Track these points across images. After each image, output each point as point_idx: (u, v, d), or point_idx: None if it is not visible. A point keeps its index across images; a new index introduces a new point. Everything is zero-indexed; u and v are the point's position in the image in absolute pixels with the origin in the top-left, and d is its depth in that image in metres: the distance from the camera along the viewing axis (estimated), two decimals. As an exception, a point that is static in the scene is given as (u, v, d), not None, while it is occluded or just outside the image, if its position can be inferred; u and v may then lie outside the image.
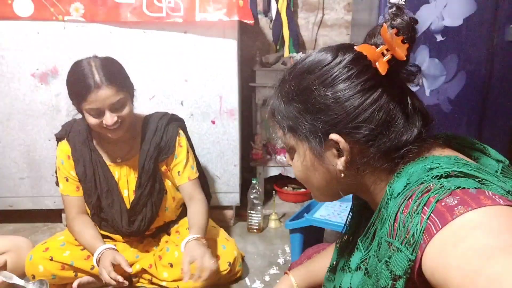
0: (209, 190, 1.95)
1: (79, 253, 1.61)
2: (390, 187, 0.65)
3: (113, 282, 1.45)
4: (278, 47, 2.63)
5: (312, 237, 1.73)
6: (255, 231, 2.12)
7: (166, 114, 1.73)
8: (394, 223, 0.61)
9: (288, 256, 1.87)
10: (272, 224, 2.19)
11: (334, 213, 1.71)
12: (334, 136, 0.67)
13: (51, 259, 1.57)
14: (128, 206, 1.65)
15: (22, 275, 1.60)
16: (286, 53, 2.54)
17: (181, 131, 1.72)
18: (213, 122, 2.08)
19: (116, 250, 1.57)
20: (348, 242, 0.85)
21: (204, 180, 1.92)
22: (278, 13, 2.54)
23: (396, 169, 0.68)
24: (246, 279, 1.70)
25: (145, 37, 1.97)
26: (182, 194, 1.72)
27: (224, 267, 1.63)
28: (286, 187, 2.59)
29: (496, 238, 0.48)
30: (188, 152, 1.71)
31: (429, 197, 0.57)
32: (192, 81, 2.03)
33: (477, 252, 0.48)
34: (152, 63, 2.00)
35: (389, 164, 0.68)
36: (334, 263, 0.87)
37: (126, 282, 1.49)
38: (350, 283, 0.72)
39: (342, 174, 0.70)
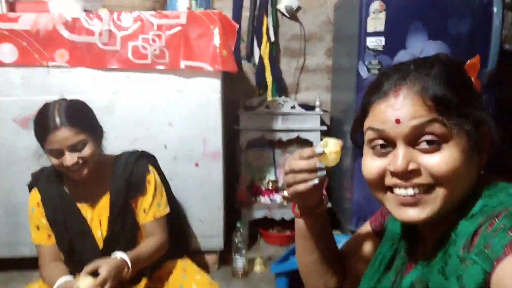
0: (187, 234, 1.92)
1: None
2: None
3: None
4: (261, 91, 2.69)
5: (298, 280, 1.70)
6: (240, 275, 2.08)
7: (136, 151, 1.73)
8: (472, 239, 0.60)
9: (274, 301, 1.83)
10: (258, 268, 2.15)
11: (320, 255, 1.69)
12: (488, 126, 0.67)
13: None
14: (101, 246, 1.61)
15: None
16: (269, 97, 2.59)
17: (150, 168, 1.70)
18: (197, 165, 2.08)
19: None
20: (380, 267, 0.84)
21: (184, 225, 1.89)
22: (261, 58, 2.62)
23: None
24: (231, 326, 1.65)
25: (129, 81, 2.00)
26: (145, 233, 1.67)
27: (208, 313, 1.58)
28: (271, 230, 2.56)
29: None
30: (156, 190, 1.68)
31: None
32: (176, 125, 2.05)
33: None
34: (136, 106, 2.02)
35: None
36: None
37: None
38: None
39: (482, 171, 0.68)
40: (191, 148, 2.07)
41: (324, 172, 0.77)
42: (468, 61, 0.70)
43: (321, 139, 2.58)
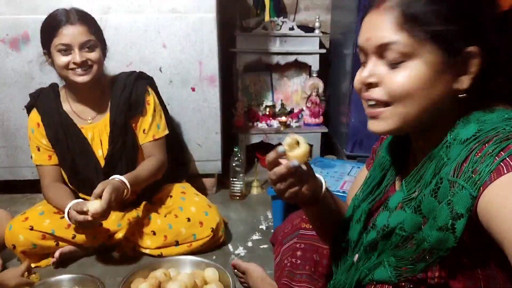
0: (185, 159, 1.94)
1: (59, 221, 1.59)
2: (452, 131, 0.67)
3: (87, 220, 1.42)
4: (258, 11, 2.56)
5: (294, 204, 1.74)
6: (238, 198, 2.13)
7: (134, 72, 1.72)
8: (462, 164, 0.62)
9: (271, 222, 1.89)
10: (254, 191, 2.21)
11: (316, 179, 1.72)
12: (473, 49, 0.64)
13: (31, 229, 1.55)
14: (102, 165, 1.65)
15: (2, 246, 1.59)
16: (267, 17, 2.48)
17: (149, 89, 1.71)
18: (193, 89, 2.05)
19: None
20: (371, 192, 0.86)
21: (182, 148, 1.91)
22: (258, -25, 2.47)
23: (462, 114, 0.67)
24: (229, 245, 1.72)
25: (122, 3, 1.90)
26: (144, 153, 1.71)
27: (207, 233, 1.64)
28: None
29: None
30: (155, 111, 1.70)
31: (508, 144, 0.58)
32: (170, 47, 1.98)
33: None
34: (128, 26, 1.93)
35: (471, 104, 0.67)
36: (352, 212, 0.88)
37: (98, 221, 1.47)
38: (388, 221, 0.73)
39: (459, 96, 0.66)
40: (187, 72, 2.02)
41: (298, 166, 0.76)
42: None
43: (321, 63, 2.51)
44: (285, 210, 1.71)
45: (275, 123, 2.54)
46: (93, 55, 1.52)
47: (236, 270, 1.40)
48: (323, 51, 2.50)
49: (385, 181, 0.84)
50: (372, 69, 0.69)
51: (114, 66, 1.79)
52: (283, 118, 2.52)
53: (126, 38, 1.94)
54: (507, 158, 0.56)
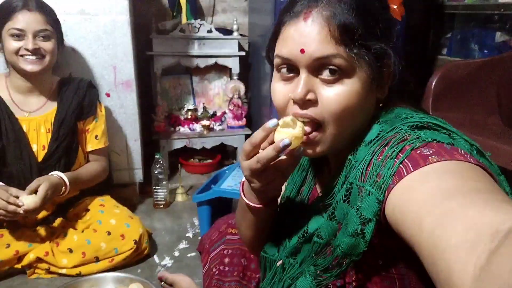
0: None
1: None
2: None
3: (13, 211, 1.37)
4: (175, 14, 2.50)
5: (220, 208, 1.72)
6: (162, 206, 2.06)
7: (84, 78, 1.73)
8: (367, 168, 0.61)
9: (197, 229, 1.85)
10: (179, 198, 2.15)
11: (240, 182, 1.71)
12: (392, 59, 0.66)
13: None
14: (39, 159, 1.56)
15: None
16: (183, 19, 2.43)
17: (99, 97, 1.75)
18: (108, 95, 1.94)
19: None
20: (294, 198, 0.84)
21: None
22: (173, -24, 2.41)
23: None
24: (155, 256, 1.65)
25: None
26: (90, 158, 1.72)
27: (129, 245, 1.56)
28: (192, 159, 2.54)
29: (464, 182, 0.49)
30: (104, 119, 1.73)
31: (404, 145, 0.58)
32: (81, 51, 1.86)
33: (442, 190, 0.48)
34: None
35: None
36: (281, 219, 0.83)
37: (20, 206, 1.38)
38: (307, 227, 0.72)
39: (380, 104, 0.69)
40: (100, 77, 1.91)
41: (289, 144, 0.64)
42: None
43: (241, 65, 2.51)
44: (212, 216, 1.68)
45: (197, 127, 2.50)
46: (47, 45, 1.50)
47: (163, 283, 1.34)
48: (243, 53, 2.50)
49: (306, 185, 0.84)
50: (308, 85, 0.65)
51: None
52: (206, 122, 2.48)
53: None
54: (405, 160, 0.57)
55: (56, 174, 1.51)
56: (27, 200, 1.38)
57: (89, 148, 1.70)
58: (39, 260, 1.52)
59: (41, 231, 1.58)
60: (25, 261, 1.51)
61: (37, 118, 1.59)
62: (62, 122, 1.59)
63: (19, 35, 1.46)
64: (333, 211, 0.67)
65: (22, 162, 1.54)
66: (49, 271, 1.53)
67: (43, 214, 1.58)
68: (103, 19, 1.84)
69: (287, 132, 0.64)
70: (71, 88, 1.65)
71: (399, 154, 0.58)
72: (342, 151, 0.71)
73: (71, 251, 1.53)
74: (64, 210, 1.67)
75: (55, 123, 1.59)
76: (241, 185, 0.82)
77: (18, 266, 1.51)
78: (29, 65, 1.48)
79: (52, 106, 1.62)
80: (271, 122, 0.66)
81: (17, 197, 1.39)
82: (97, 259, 1.54)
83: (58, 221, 1.63)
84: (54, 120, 1.59)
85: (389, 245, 0.63)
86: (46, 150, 1.57)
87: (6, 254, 1.47)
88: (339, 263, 0.65)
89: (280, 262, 0.80)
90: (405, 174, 0.55)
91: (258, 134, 0.67)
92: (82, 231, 1.59)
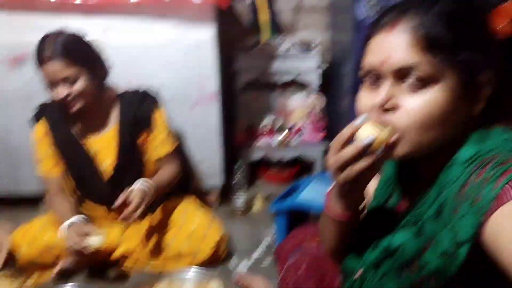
0: (188, 172, 1.97)
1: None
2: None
3: (77, 249, 1.45)
4: (257, 31, 2.61)
5: (296, 218, 1.76)
6: (240, 213, 2.15)
7: (141, 89, 1.74)
8: (463, 187, 0.60)
9: (274, 237, 1.90)
10: (257, 206, 2.22)
11: (317, 194, 1.74)
12: (487, 76, 0.65)
13: (32, 242, 1.56)
14: (106, 179, 1.66)
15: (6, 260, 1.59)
16: (265, 36, 2.53)
17: (157, 105, 1.72)
18: (192, 108, 2.08)
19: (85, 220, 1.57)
20: (379, 210, 0.83)
21: (185, 164, 1.94)
22: (256, -4, 2.52)
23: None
24: (232, 261, 1.73)
25: (119, 18, 1.95)
26: (160, 166, 1.73)
27: (209, 248, 1.65)
28: (269, 170, 2.61)
29: None
30: (164, 125, 1.72)
31: (506, 168, 0.57)
32: (170, 66, 2.02)
33: None
34: (128, 46, 1.97)
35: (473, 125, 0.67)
36: (364, 230, 0.83)
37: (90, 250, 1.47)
38: (391, 242, 0.71)
39: (475, 121, 0.66)
40: (186, 91, 2.05)
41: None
42: (500, 5, 0.68)
43: (321, 83, 2.54)
44: (289, 226, 1.72)
45: (276, 140, 2.57)
46: (76, 88, 1.49)
47: (240, 285, 1.40)
48: (323, 68, 2.54)
49: (393, 197, 0.83)
50: (390, 92, 0.66)
51: (113, 84, 1.83)
52: (284, 135, 2.54)
53: (126, 57, 1.97)
54: (507, 185, 0.55)
55: (142, 181, 1.56)
56: (95, 241, 1.45)
57: (154, 158, 1.72)
58: (126, 255, 1.67)
59: (129, 228, 1.72)
60: (115, 255, 1.66)
61: (103, 138, 1.67)
62: (121, 140, 1.66)
63: (51, 86, 1.50)
64: (421, 227, 0.66)
65: (94, 181, 1.66)
66: (135, 265, 1.67)
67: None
68: (192, 37, 1.99)
69: (372, 130, 0.65)
70: (126, 103, 1.67)
71: (501, 177, 0.57)
72: (430, 164, 0.70)
73: (156, 248, 1.66)
74: (151, 209, 1.81)
75: (117, 141, 1.66)
76: (327, 196, 0.83)
77: (109, 259, 1.66)
78: (70, 108, 1.53)
79: (114, 124, 1.68)
80: (359, 119, 0.68)
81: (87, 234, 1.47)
82: (178, 259, 1.65)
83: (146, 219, 1.77)
84: (116, 138, 1.66)
85: (480, 268, 0.61)
86: (112, 169, 1.67)
87: (99, 249, 1.59)
88: (425, 283, 0.64)
89: (358, 274, 0.81)
90: (507, 199, 0.54)
91: (346, 130, 0.68)
92: (167, 231, 1.72)
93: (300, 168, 2.65)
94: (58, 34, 1.49)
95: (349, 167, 0.67)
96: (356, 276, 0.80)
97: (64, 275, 1.60)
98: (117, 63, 1.93)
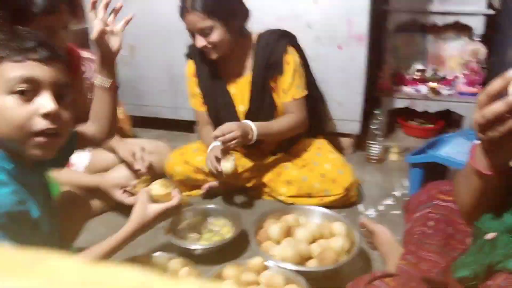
0: (324, 117, 1.98)
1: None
2: None
3: (213, 171, 1.60)
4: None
5: (433, 174, 1.67)
6: (374, 161, 2.11)
7: (277, 30, 1.73)
8: None
9: (405, 190, 1.84)
10: (392, 156, 2.15)
11: (461, 151, 1.61)
12: None
13: (186, 163, 1.78)
14: (241, 119, 1.74)
15: (161, 174, 1.85)
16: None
17: (289, 48, 1.70)
18: (340, 47, 2.03)
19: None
20: None
21: (322, 106, 1.95)
22: None
23: None
24: (360, 205, 1.74)
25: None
26: (283, 112, 1.75)
27: (339, 191, 1.68)
28: (411, 121, 2.47)
29: None
30: (295, 70, 1.70)
31: None
32: (321, 3, 1.98)
33: None
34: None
35: None
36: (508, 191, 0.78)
37: (224, 175, 1.60)
38: None
39: None
40: (335, 29, 2.01)
41: None
42: None
43: (487, 26, 2.26)
44: (423, 180, 1.65)
45: (423, 88, 2.39)
46: (212, 38, 1.56)
47: (364, 229, 1.42)
48: (491, 12, 2.22)
49: None
50: None
51: (265, 20, 1.88)
52: (434, 84, 2.35)
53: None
54: None
55: (246, 122, 1.62)
56: (227, 166, 1.56)
57: (280, 102, 1.73)
58: (263, 184, 1.80)
59: (268, 160, 1.83)
60: (254, 182, 1.80)
61: (241, 81, 1.75)
62: (254, 83, 1.70)
63: (192, 34, 1.59)
64: None
65: (231, 121, 1.72)
66: (270, 194, 1.80)
67: (270, 147, 1.83)
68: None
69: None
70: (261, 47, 1.69)
71: None
72: None
73: (289, 182, 1.75)
74: (287, 146, 1.89)
75: (251, 84, 1.71)
76: (472, 148, 0.78)
77: (248, 185, 1.82)
78: (210, 54, 1.63)
79: (250, 69, 1.73)
80: (511, 72, 0.59)
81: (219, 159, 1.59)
82: (309, 195, 1.72)
83: (280, 154, 1.87)
84: (250, 81, 1.72)
85: None
86: (245, 112, 1.75)
87: (243, 175, 1.78)
88: None
89: (491, 235, 0.76)
90: None
91: (496, 83, 0.61)
92: (301, 168, 1.79)
93: (446, 123, 2.45)
94: None
95: (495, 125, 0.61)
96: (489, 237, 0.76)
97: (210, 194, 1.80)
98: (269, 0, 1.98)
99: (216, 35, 1.57)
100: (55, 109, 0.81)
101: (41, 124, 0.81)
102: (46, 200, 0.96)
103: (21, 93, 0.79)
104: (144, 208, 1.07)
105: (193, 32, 1.59)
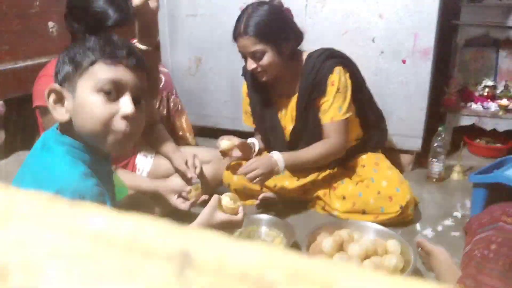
0: (384, 130, 1.94)
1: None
2: None
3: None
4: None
5: (498, 196, 1.58)
6: (434, 180, 2.03)
7: (327, 50, 1.71)
8: None
9: (467, 211, 1.75)
10: (455, 175, 2.06)
11: (532, 173, 1.52)
12: None
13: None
14: (287, 139, 1.79)
15: (219, 183, 1.91)
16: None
17: (337, 69, 1.66)
18: (404, 62, 1.99)
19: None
20: None
21: (381, 121, 1.92)
22: None
23: None
24: (417, 224, 1.68)
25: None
26: (323, 133, 1.72)
27: (395, 209, 1.63)
28: (478, 140, 2.36)
29: None
30: (338, 92, 1.66)
31: None
32: (386, 17, 1.96)
33: None
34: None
35: None
36: None
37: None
38: None
39: None
40: (400, 43, 1.98)
41: None
42: None
43: None
44: (487, 201, 1.57)
45: (493, 106, 2.27)
46: (263, 62, 1.59)
47: (420, 249, 1.38)
48: None
49: None
50: None
51: (330, 34, 1.91)
52: (504, 102, 2.23)
53: (343, 7, 2.01)
54: None
55: (273, 155, 1.63)
56: (223, 143, 1.69)
57: (322, 122, 1.71)
58: (318, 197, 1.80)
59: (323, 174, 1.83)
60: (308, 195, 1.81)
61: (290, 101, 1.76)
62: (299, 104, 1.71)
63: (245, 57, 1.63)
64: None
65: (277, 143, 1.80)
66: (324, 208, 1.79)
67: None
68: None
69: None
70: (309, 66, 1.67)
71: None
72: None
73: (344, 198, 1.73)
74: (344, 160, 1.88)
75: (296, 104, 1.72)
76: None
77: (303, 197, 1.83)
78: (260, 78, 1.65)
79: (298, 90, 1.73)
80: None
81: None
82: (363, 212, 1.69)
83: (336, 168, 1.85)
84: (296, 101, 1.72)
85: None
86: (290, 132, 1.76)
87: (296, 187, 1.79)
88: None
89: None
90: None
91: None
92: (356, 184, 1.76)
93: (516, 143, 2.31)
94: (254, 9, 1.58)
95: None
96: None
97: (265, 205, 1.82)
98: (335, 13, 1.99)
99: (267, 59, 1.59)
100: (134, 112, 0.89)
101: (121, 124, 0.89)
102: (113, 194, 1.04)
103: (108, 93, 0.87)
104: (212, 212, 1.11)
105: (244, 55, 1.64)
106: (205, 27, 2.33)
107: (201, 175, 1.72)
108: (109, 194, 0.97)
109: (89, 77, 0.87)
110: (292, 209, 1.82)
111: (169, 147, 1.72)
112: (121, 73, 0.89)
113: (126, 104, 0.88)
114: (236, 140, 1.74)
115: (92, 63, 0.87)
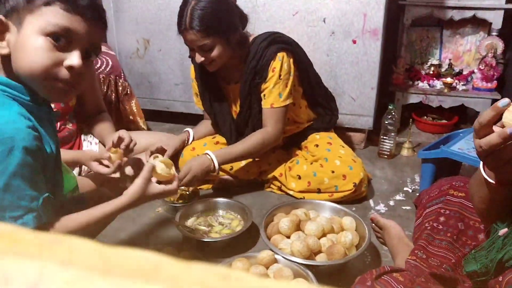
0: (335, 110, 1.97)
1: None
2: None
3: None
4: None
5: (445, 170, 1.65)
6: (386, 156, 2.10)
7: (271, 35, 1.69)
8: None
9: (417, 185, 1.82)
10: (405, 152, 2.13)
11: (474, 147, 1.59)
12: None
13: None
14: (233, 122, 1.81)
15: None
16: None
17: (279, 55, 1.64)
18: (354, 42, 2.02)
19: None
20: None
21: (331, 98, 1.97)
22: None
23: None
24: (370, 200, 1.73)
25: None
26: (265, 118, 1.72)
27: (349, 187, 1.67)
28: (425, 117, 2.45)
29: None
30: (280, 78, 1.65)
31: None
32: (336, -3, 1.97)
33: None
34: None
35: None
36: None
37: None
38: None
39: None
40: (350, 24, 1.99)
41: None
42: None
43: (503, 25, 2.22)
44: (435, 175, 1.63)
45: (438, 84, 2.36)
46: (212, 55, 1.55)
47: (373, 224, 1.42)
48: (510, 6, 2.18)
49: None
50: None
51: (280, 14, 1.88)
52: (449, 79, 2.32)
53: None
54: None
55: (206, 155, 1.61)
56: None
57: (262, 107, 1.71)
58: (274, 178, 1.80)
59: (279, 155, 1.84)
60: (265, 176, 1.81)
61: (234, 88, 1.78)
62: (242, 91, 1.72)
63: (191, 49, 1.60)
64: None
65: (225, 128, 1.82)
66: (280, 189, 1.80)
67: (280, 142, 1.83)
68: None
69: None
70: (252, 52, 1.66)
71: None
72: None
73: (299, 177, 1.74)
74: (298, 141, 1.89)
75: (240, 90, 1.72)
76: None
77: (259, 178, 1.83)
78: (207, 67, 1.63)
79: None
80: (502, 102, 0.61)
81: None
82: (319, 191, 1.71)
83: (292, 149, 1.86)
84: (240, 87, 1.73)
85: None
86: (235, 116, 1.80)
87: (253, 169, 1.80)
88: None
89: (503, 232, 0.76)
90: None
91: (487, 113, 0.63)
92: (311, 163, 1.78)
93: (460, 119, 2.42)
94: (196, 2, 1.50)
95: (493, 154, 0.63)
96: (501, 233, 0.76)
97: (221, 188, 1.81)
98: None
99: (216, 51, 1.56)
100: (81, 66, 0.82)
101: (65, 73, 0.82)
102: (57, 144, 0.96)
103: (56, 40, 0.80)
104: (146, 184, 1.03)
105: (191, 48, 1.60)
106: (152, 6, 2.24)
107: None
108: (52, 141, 0.90)
109: (40, 17, 0.79)
110: (248, 191, 1.81)
111: (107, 133, 1.64)
112: (77, 23, 0.81)
113: (74, 56, 0.81)
114: (173, 169, 1.63)
115: (48, 3, 0.79)
